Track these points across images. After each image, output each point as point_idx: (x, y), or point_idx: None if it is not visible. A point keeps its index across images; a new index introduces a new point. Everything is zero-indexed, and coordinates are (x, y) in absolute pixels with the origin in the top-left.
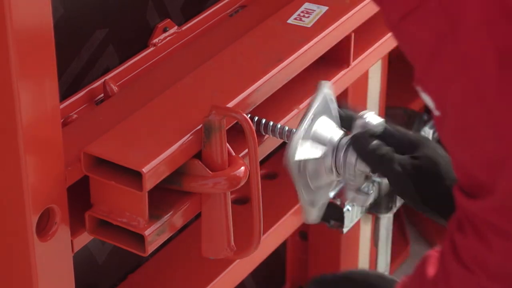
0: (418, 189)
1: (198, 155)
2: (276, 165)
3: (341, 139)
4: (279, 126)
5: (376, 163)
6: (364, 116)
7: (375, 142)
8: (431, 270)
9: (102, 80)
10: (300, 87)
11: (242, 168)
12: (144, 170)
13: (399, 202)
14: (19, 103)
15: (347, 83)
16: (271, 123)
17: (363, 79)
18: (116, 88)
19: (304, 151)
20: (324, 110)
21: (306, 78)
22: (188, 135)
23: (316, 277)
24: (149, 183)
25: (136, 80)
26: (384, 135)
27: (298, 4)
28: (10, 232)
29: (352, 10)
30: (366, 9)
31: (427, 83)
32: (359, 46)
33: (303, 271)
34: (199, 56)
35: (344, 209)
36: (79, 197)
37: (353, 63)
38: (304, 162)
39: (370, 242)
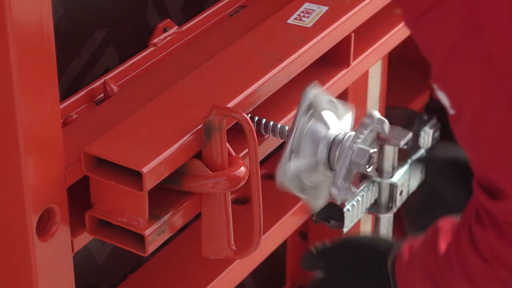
0: None
1: (198, 155)
2: (276, 165)
3: (336, 136)
4: (279, 126)
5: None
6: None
7: None
8: (443, 246)
9: (102, 80)
10: (300, 87)
11: (242, 168)
12: (144, 170)
13: (399, 202)
14: (20, 103)
15: (347, 83)
16: (271, 123)
17: (363, 79)
18: (116, 88)
19: (295, 165)
20: (313, 114)
21: (306, 78)
22: (188, 135)
23: (316, 248)
24: (149, 183)
25: (136, 80)
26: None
27: (298, 4)
28: (10, 232)
29: (352, 10)
30: (366, 9)
31: (445, 81)
32: (359, 46)
33: (303, 271)
34: (199, 56)
35: (345, 209)
36: (79, 197)
37: (353, 63)
38: (313, 114)
39: None
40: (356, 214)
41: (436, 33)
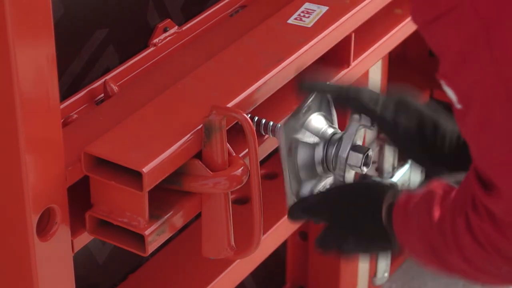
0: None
1: (199, 155)
2: (276, 165)
3: (333, 134)
4: (279, 126)
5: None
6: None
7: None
8: (436, 212)
9: (103, 80)
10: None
11: (243, 168)
12: (144, 170)
13: None
14: (20, 103)
15: (347, 83)
16: (271, 123)
17: (363, 79)
18: (116, 88)
19: (299, 133)
20: (321, 107)
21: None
22: (188, 135)
23: (300, 201)
24: (149, 183)
25: (136, 80)
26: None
27: (299, 4)
28: (11, 232)
29: (352, 10)
30: (366, 9)
31: (453, 79)
32: (359, 46)
33: (303, 271)
34: (199, 56)
35: None
36: (79, 197)
37: (353, 63)
38: (296, 146)
39: None
40: None
41: (448, 37)
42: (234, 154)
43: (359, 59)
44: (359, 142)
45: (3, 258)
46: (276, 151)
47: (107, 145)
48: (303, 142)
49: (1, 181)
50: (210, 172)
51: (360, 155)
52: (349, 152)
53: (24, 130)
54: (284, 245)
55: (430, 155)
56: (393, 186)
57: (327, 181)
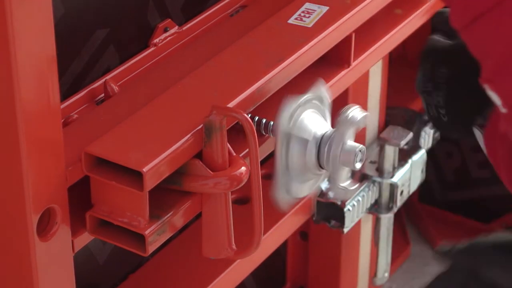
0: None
1: (199, 155)
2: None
3: (325, 132)
4: (272, 123)
5: None
6: (348, 112)
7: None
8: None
9: (103, 80)
10: (301, 87)
11: (243, 168)
12: (145, 170)
13: (399, 202)
14: (20, 103)
15: (348, 83)
16: (272, 123)
17: (364, 79)
18: (117, 88)
19: (293, 129)
20: (314, 106)
21: (306, 78)
22: (189, 135)
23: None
24: (149, 183)
25: (137, 80)
26: None
27: (299, 4)
28: (11, 232)
29: (353, 10)
30: (367, 9)
31: (497, 83)
32: (360, 46)
33: (303, 271)
34: (200, 56)
35: (345, 209)
36: (79, 197)
37: (353, 63)
38: (289, 142)
39: (370, 242)
40: (356, 214)
41: (488, 38)
42: (235, 154)
43: (360, 59)
44: (351, 140)
45: (3, 258)
46: None
47: (108, 145)
48: (297, 138)
49: (1, 181)
50: (211, 172)
51: (353, 153)
52: (341, 149)
53: (24, 130)
54: (284, 245)
55: None
56: None
57: (319, 179)
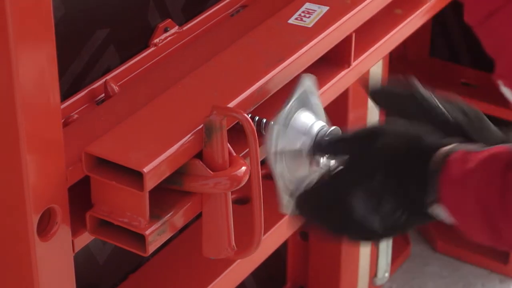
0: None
1: (199, 155)
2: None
3: (320, 130)
4: (264, 121)
5: None
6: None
7: None
8: (501, 179)
9: (103, 80)
10: None
11: (243, 168)
12: (145, 170)
13: None
14: (20, 103)
15: (348, 83)
16: (272, 123)
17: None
18: (117, 88)
19: (283, 141)
20: (304, 102)
21: None
22: (189, 135)
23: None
24: (150, 183)
25: (137, 80)
26: None
27: (299, 4)
28: (11, 232)
29: (353, 10)
30: (367, 9)
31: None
32: (360, 46)
33: (303, 271)
34: (200, 56)
35: None
36: (80, 197)
37: (353, 63)
38: (283, 152)
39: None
40: None
41: (504, 34)
42: (235, 154)
43: (360, 59)
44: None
45: (3, 258)
46: None
47: (108, 145)
48: (290, 150)
49: (2, 181)
50: (211, 172)
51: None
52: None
53: (25, 130)
54: (284, 245)
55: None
56: (446, 142)
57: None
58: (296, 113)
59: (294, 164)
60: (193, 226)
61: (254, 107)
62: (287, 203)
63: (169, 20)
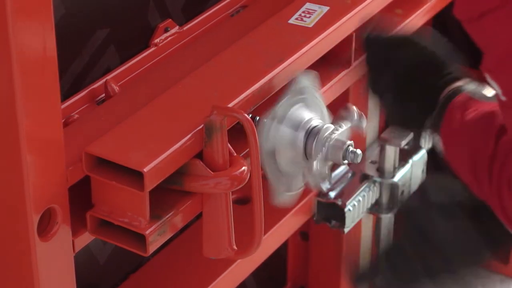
0: None
1: (199, 155)
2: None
3: (315, 126)
4: (257, 118)
5: None
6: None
7: None
8: (491, 144)
9: (103, 80)
10: None
11: (243, 168)
12: (145, 170)
13: (400, 202)
14: (21, 104)
15: (348, 83)
16: (263, 119)
17: (364, 79)
18: (117, 88)
19: (275, 135)
20: (301, 98)
21: None
22: (189, 135)
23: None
24: (150, 183)
25: (137, 80)
26: None
27: (299, 4)
28: (11, 232)
29: (353, 10)
30: (367, 9)
31: (498, 74)
32: (360, 46)
33: (304, 271)
34: (200, 56)
35: (346, 209)
36: (80, 197)
37: (354, 63)
38: (275, 146)
39: (371, 242)
40: (357, 214)
41: (495, 33)
42: (235, 154)
43: (360, 59)
44: (341, 136)
45: (3, 258)
46: None
47: (108, 145)
48: (282, 143)
49: (2, 181)
50: (211, 172)
51: (340, 150)
52: (329, 145)
53: (25, 130)
54: (285, 245)
55: None
56: (456, 76)
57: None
58: (292, 109)
59: (286, 158)
60: (193, 226)
61: (255, 107)
62: (281, 196)
63: (170, 20)
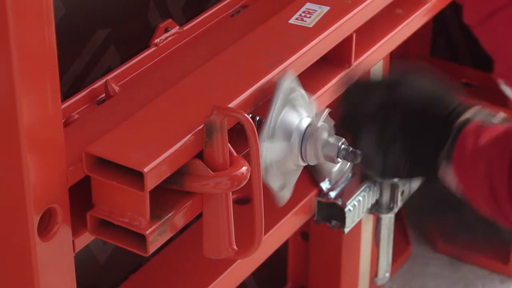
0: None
1: (200, 155)
2: None
3: (307, 127)
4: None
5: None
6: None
7: None
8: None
9: (104, 80)
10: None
11: (244, 168)
12: (146, 170)
13: (400, 202)
14: (21, 104)
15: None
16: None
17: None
18: (118, 88)
19: (270, 151)
20: (288, 101)
21: (307, 79)
22: (190, 135)
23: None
24: (150, 183)
25: (138, 80)
26: None
27: (300, 4)
28: (12, 232)
29: (353, 10)
30: (367, 9)
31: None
32: (361, 47)
33: (304, 271)
34: (201, 56)
35: (346, 209)
36: (80, 197)
37: (354, 63)
38: (272, 162)
39: (371, 242)
40: (357, 214)
41: (503, 34)
42: (235, 154)
43: (361, 59)
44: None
45: (4, 258)
46: None
47: (108, 145)
48: (294, 106)
49: (2, 181)
50: (211, 172)
51: (335, 149)
52: (323, 145)
53: (25, 130)
54: (285, 245)
55: None
56: (464, 108)
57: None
58: (283, 112)
59: (283, 162)
60: (193, 226)
61: (255, 107)
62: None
63: (170, 20)
